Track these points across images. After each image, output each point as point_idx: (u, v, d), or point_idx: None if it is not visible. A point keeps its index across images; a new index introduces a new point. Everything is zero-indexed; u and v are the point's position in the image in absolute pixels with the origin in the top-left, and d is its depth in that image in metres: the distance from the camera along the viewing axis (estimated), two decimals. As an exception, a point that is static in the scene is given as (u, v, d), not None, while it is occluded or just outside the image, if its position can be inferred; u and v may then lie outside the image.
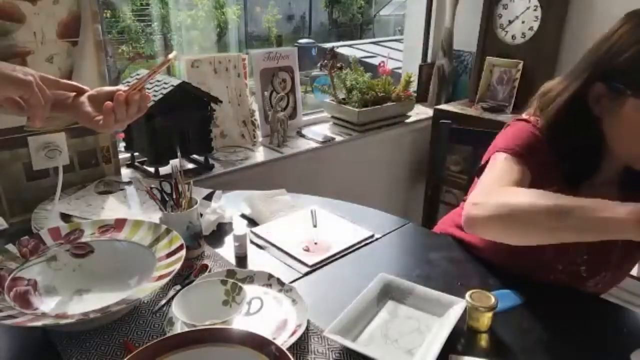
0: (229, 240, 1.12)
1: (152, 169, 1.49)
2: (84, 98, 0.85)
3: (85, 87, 0.86)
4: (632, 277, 2.42)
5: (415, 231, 1.21)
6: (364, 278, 0.91)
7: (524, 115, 1.00)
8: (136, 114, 0.85)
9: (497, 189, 0.85)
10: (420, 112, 2.36)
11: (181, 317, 0.74)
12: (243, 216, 1.25)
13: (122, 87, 0.85)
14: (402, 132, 2.22)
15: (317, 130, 2.04)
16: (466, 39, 2.37)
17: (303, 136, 1.94)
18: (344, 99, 2.07)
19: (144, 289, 0.82)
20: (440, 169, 1.62)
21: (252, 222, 1.22)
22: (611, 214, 0.70)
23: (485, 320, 0.81)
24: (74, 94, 0.85)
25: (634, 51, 0.80)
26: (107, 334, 0.80)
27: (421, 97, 2.53)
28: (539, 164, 0.90)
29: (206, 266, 1.00)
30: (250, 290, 0.87)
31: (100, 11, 1.34)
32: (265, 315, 0.84)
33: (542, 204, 0.77)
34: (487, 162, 0.96)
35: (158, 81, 1.43)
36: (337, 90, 2.09)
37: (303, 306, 0.84)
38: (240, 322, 0.79)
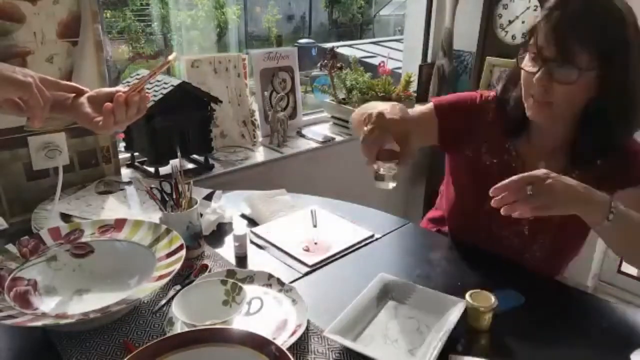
0: (229, 240, 1.12)
1: (152, 169, 1.49)
2: (83, 99, 0.85)
3: (84, 88, 0.86)
4: (632, 277, 2.42)
5: (415, 231, 1.21)
6: (364, 278, 0.91)
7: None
8: (136, 115, 0.85)
9: None
10: (420, 112, 2.36)
11: (181, 317, 0.74)
12: (243, 216, 1.25)
13: (121, 88, 0.86)
14: (402, 132, 2.21)
15: (317, 130, 2.04)
16: (466, 39, 2.37)
17: (303, 136, 1.94)
18: (344, 99, 2.07)
19: (144, 289, 0.82)
20: (440, 169, 1.61)
21: (252, 222, 1.22)
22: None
23: (485, 320, 0.81)
24: (73, 95, 0.85)
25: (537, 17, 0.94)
26: (107, 334, 0.80)
27: (421, 97, 2.52)
28: (459, 119, 1.09)
29: (206, 266, 1.00)
30: (250, 290, 0.87)
31: (100, 11, 1.34)
32: (265, 315, 0.84)
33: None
34: None
35: (158, 81, 1.43)
36: (337, 90, 2.09)
37: (303, 306, 0.84)
38: (240, 322, 0.79)
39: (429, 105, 1.12)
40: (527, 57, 0.94)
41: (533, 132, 1.03)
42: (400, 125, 0.81)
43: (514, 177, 0.80)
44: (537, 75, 0.90)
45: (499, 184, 0.80)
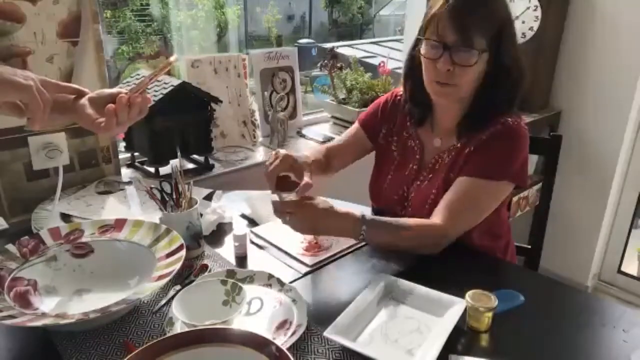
0: (229, 240, 1.12)
1: (152, 169, 1.48)
2: (84, 100, 0.85)
3: (85, 90, 0.86)
4: (632, 277, 2.42)
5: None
6: (364, 278, 0.92)
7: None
8: (137, 117, 0.85)
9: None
10: (420, 112, 2.36)
11: (181, 317, 0.74)
12: (243, 216, 1.25)
13: (122, 90, 0.86)
14: (402, 132, 2.21)
15: (317, 130, 2.04)
16: (466, 39, 2.36)
17: (303, 136, 1.94)
18: (344, 99, 2.07)
19: (144, 289, 0.82)
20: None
21: (252, 222, 1.22)
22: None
23: (485, 320, 0.81)
24: (73, 96, 0.85)
25: (427, 7, 1.05)
26: (107, 334, 0.80)
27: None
28: (378, 121, 1.25)
29: (206, 266, 1.00)
30: (250, 290, 0.87)
31: (100, 11, 1.34)
32: (265, 315, 0.84)
33: None
34: None
35: (158, 81, 1.43)
36: (337, 90, 2.09)
37: (303, 306, 0.84)
38: (240, 322, 0.79)
39: (355, 125, 1.30)
40: (425, 45, 1.04)
41: (435, 115, 1.16)
42: (295, 160, 0.99)
43: (278, 202, 0.97)
44: (440, 61, 1.00)
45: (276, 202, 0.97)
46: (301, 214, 0.95)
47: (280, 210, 0.96)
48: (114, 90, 0.87)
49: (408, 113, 1.20)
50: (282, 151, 1.02)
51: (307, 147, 1.22)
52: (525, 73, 1.08)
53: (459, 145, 1.10)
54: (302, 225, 0.97)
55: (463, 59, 0.99)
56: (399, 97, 1.25)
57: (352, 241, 1.10)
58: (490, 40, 0.99)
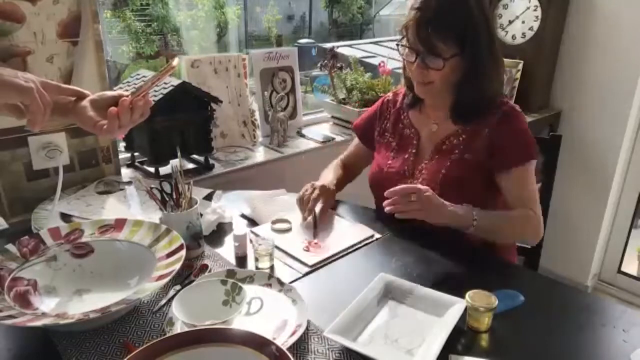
0: (229, 240, 1.12)
1: (152, 169, 1.48)
2: (85, 102, 0.84)
3: (86, 92, 0.86)
4: (632, 277, 2.42)
5: (415, 231, 1.20)
6: (364, 278, 0.92)
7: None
8: (139, 119, 0.85)
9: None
10: (420, 112, 2.35)
11: (181, 317, 0.74)
12: (243, 216, 1.25)
13: (123, 92, 0.85)
14: (402, 132, 2.21)
15: (317, 130, 2.04)
16: (466, 39, 2.36)
17: (303, 136, 1.94)
18: (344, 99, 2.07)
19: (144, 289, 0.82)
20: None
21: (252, 222, 1.22)
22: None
23: (485, 320, 0.81)
24: (74, 98, 0.85)
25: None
26: (107, 334, 0.80)
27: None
28: (372, 125, 1.36)
29: (206, 266, 1.00)
30: (250, 290, 0.87)
31: (100, 11, 1.34)
32: (265, 315, 0.84)
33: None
34: None
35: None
36: (337, 90, 2.08)
37: (303, 306, 0.84)
38: (240, 322, 0.79)
39: (356, 140, 1.43)
40: (403, 50, 1.15)
41: (425, 103, 1.25)
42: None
43: (402, 186, 1.04)
44: (414, 65, 1.12)
45: (391, 190, 1.03)
46: (428, 203, 1.03)
47: (402, 197, 1.02)
48: (116, 92, 0.86)
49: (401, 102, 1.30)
50: (319, 183, 1.24)
51: (323, 164, 1.42)
52: (500, 66, 1.16)
53: (468, 128, 1.17)
54: (431, 213, 1.04)
55: (433, 64, 1.10)
56: (387, 99, 1.36)
57: (352, 241, 1.10)
58: (462, 44, 1.08)
